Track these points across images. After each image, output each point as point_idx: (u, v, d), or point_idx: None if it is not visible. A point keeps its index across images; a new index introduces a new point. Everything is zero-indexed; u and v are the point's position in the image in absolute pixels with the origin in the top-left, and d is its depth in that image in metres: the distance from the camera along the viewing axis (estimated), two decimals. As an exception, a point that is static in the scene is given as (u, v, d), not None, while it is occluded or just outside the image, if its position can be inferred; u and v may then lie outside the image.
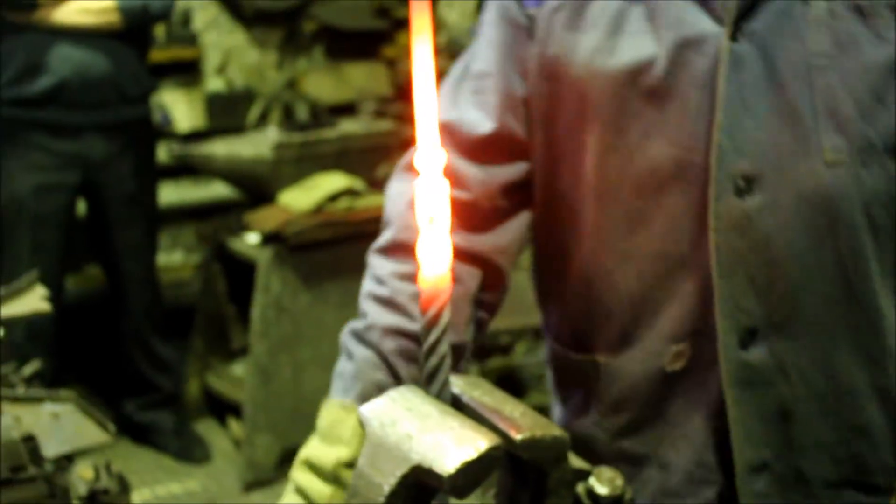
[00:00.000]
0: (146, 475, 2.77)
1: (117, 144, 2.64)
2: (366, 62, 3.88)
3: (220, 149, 3.05)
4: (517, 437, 0.61)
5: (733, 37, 0.81)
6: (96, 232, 2.78)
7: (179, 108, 3.47)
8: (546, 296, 1.02)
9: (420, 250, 0.62)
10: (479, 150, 0.92)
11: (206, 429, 3.02)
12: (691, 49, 0.82)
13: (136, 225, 2.73)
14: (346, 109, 3.56)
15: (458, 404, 0.66)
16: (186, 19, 3.49)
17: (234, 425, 2.94)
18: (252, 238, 2.85)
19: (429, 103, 0.62)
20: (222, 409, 3.01)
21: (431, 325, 0.64)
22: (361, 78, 3.83)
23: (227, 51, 3.69)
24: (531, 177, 0.95)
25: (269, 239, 2.74)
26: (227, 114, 3.54)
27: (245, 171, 3.03)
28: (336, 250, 2.77)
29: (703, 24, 0.82)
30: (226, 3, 3.67)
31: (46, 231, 2.57)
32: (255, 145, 3.04)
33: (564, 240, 0.94)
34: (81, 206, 2.80)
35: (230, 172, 3.09)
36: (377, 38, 3.90)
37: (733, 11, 0.81)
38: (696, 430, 0.89)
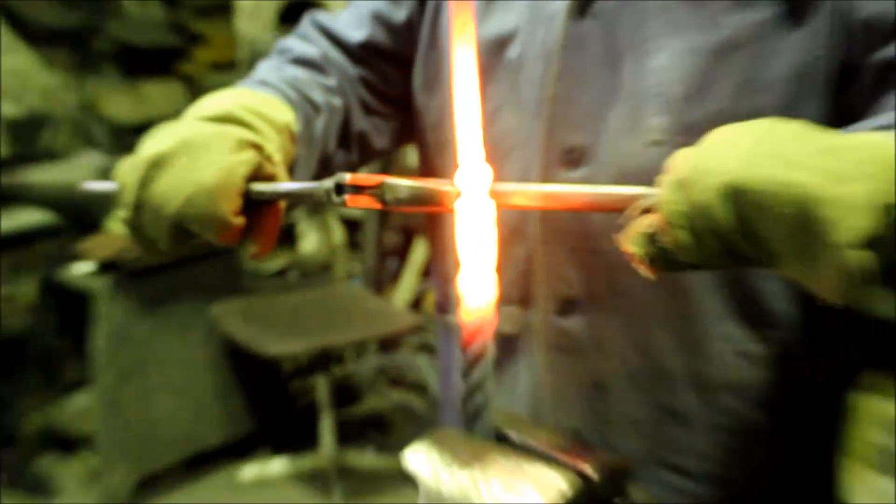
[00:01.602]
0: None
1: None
2: (163, 80, 3.59)
3: (38, 176, 2.78)
4: (594, 474, 0.54)
5: (582, 14, 0.79)
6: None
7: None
8: (432, 260, 1.01)
9: (462, 281, 0.56)
10: (350, 53, 0.93)
11: (52, 463, 2.74)
12: (543, 25, 0.81)
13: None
14: (148, 129, 3.31)
15: (503, 441, 0.58)
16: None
17: (84, 457, 2.69)
18: (85, 267, 2.60)
19: (470, 117, 0.54)
20: (67, 442, 2.74)
21: (476, 361, 0.57)
22: (159, 96, 3.56)
23: (16, 73, 3.30)
24: (402, 94, 0.94)
25: (106, 267, 2.52)
26: (25, 139, 3.20)
27: (68, 199, 2.77)
28: (175, 273, 2.61)
29: (557, 2, 0.81)
30: (11, 23, 3.28)
31: None
32: (73, 171, 2.79)
33: None
34: None
35: (53, 201, 2.81)
36: (173, 55, 3.63)
37: None
38: (523, 393, 0.87)
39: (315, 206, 0.65)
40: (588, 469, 0.55)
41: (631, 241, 0.57)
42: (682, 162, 0.56)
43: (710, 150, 0.55)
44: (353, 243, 3.39)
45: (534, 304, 0.84)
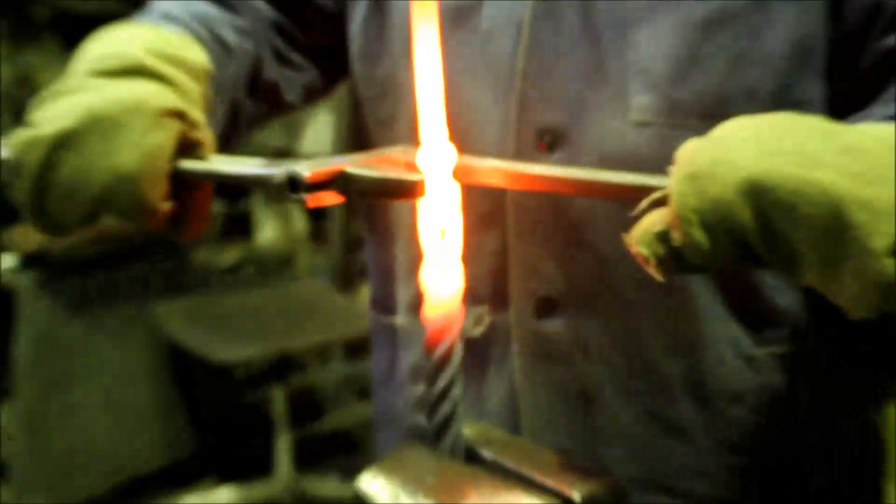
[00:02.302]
0: None
1: None
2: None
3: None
4: (581, 500, 0.53)
5: None
6: None
7: None
8: (367, 255, 1.02)
9: (425, 271, 0.56)
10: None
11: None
12: None
13: None
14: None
15: (475, 459, 0.58)
16: None
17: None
18: (6, 261, 2.58)
19: (431, 91, 0.54)
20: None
21: (441, 364, 0.57)
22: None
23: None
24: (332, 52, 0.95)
25: (31, 261, 2.50)
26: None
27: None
28: (111, 268, 2.60)
29: None
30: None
31: None
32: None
33: None
34: None
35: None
36: (115, 22, 3.65)
37: None
38: (497, 407, 0.87)
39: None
40: (575, 494, 0.54)
41: (639, 240, 0.58)
42: (696, 153, 0.57)
43: (726, 142, 0.56)
44: (318, 233, 3.38)
45: (508, 303, 0.84)
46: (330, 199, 0.59)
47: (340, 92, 1.07)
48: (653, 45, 0.77)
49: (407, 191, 0.58)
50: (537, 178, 0.61)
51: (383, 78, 0.89)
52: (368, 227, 0.98)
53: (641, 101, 0.78)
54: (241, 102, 0.88)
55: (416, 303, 0.87)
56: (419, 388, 0.90)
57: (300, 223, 3.42)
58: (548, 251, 0.82)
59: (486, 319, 0.85)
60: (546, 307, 0.83)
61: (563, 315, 0.82)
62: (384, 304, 0.95)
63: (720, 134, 0.57)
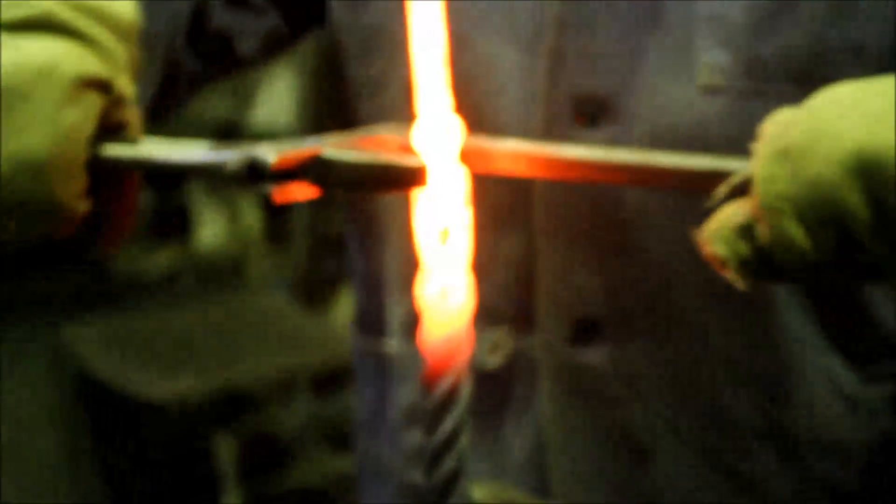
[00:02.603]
0: None
1: None
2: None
3: None
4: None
5: None
6: None
7: None
8: (351, 258, 1.03)
9: (422, 283, 0.58)
10: None
11: None
12: None
13: None
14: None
15: None
16: None
17: None
18: None
19: (434, 50, 0.56)
20: None
21: (444, 405, 0.58)
22: None
23: None
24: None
25: None
26: None
27: None
28: (3, 281, 2.61)
29: None
30: None
31: None
32: None
33: None
34: None
35: None
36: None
37: None
38: (520, 459, 0.88)
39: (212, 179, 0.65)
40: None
41: (714, 238, 0.59)
42: (787, 125, 0.58)
43: (826, 110, 0.57)
44: (276, 232, 3.39)
45: (534, 326, 0.85)
46: (302, 191, 0.59)
47: (305, 46, 1.08)
48: None
49: (403, 180, 0.58)
50: (573, 162, 0.61)
51: (371, 27, 0.89)
52: (350, 225, 0.99)
53: (713, 60, 0.78)
54: (179, 59, 0.89)
55: (414, 324, 0.88)
56: (417, 435, 0.91)
57: (253, 219, 3.43)
58: (587, 258, 0.82)
59: (507, 346, 0.86)
60: (584, 331, 0.83)
61: (607, 341, 0.83)
62: (371, 324, 0.96)
63: (818, 102, 0.58)
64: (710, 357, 0.83)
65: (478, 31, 0.83)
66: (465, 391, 0.57)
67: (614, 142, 0.79)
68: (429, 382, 0.57)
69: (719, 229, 0.58)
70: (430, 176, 0.58)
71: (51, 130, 0.65)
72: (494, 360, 0.86)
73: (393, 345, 0.93)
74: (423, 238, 0.57)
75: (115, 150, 0.68)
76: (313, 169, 0.59)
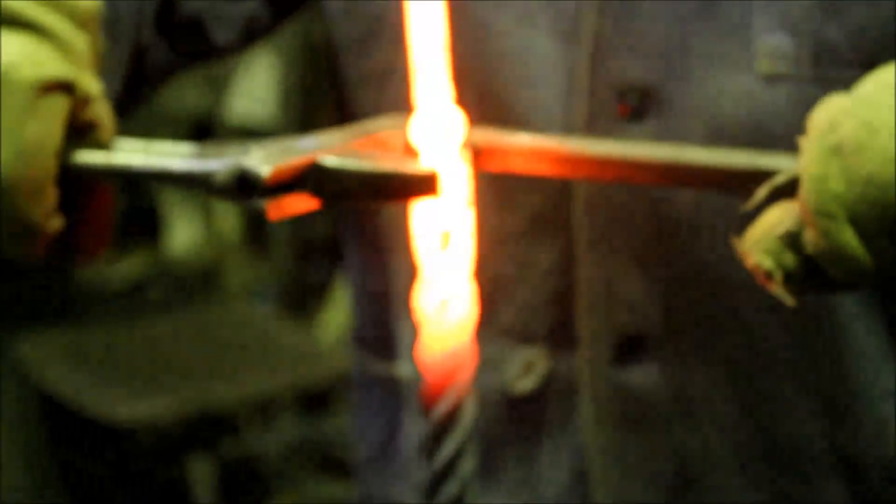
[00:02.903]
0: None
1: None
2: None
3: None
4: None
5: None
6: None
7: None
8: (348, 272, 1.03)
9: (422, 292, 0.59)
10: None
11: None
12: None
13: None
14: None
15: None
16: None
17: None
18: None
19: (437, 33, 0.56)
20: None
21: (445, 425, 0.58)
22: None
23: None
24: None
25: None
26: None
27: None
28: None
29: None
30: None
31: None
32: None
33: None
34: None
35: None
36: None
37: None
38: (556, 490, 0.88)
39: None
40: None
41: (756, 247, 0.58)
42: (837, 115, 0.57)
43: (879, 98, 0.56)
44: (257, 236, 3.39)
45: (574, 343, 0.85)
46: (300, 204, 0.58)
47: (286, 33, 1.08)
48: None
49: (411, 189, 0.58)
50: (613, 161, 0.61)
51: (372, 11, 0.89)
52: (349, 229, 0.99)
53: (774, 45, 0.78)
54: (147, 46, 0.88)
55: None
56: None
57: (230, 222, 3.43)
58: (634, 268, 0.83)
59: (541, 367, 0.87)
60: (631, 348, 0.84)
61: (656, 360, 0.84)
62: (377, 343, 0.96)
63: (870, 88, 0.57)
64: (770, 374, 0.83)
65: (508, 14, 0.83)
66: (468, 412, 0.57)
67: (662, 137, 0.79)
68: (428, 403, 0.57)
69: (763, 238, 0.57)
70: (441, 184, 0.57)
71: (13, 146, 0.64)
72: (527, 383, 0.86)
73: (405, 368, 0.93)
74: (421, 243, 0.57)
75: (86, 157, 0.66)
76: (311, 179, 0.58)
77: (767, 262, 0.57)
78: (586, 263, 0.83)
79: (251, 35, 0.98)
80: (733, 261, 0.77)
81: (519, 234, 0.82)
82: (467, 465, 0.58)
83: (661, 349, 0.83)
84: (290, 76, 3.16)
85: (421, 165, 0.59)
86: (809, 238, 0.56)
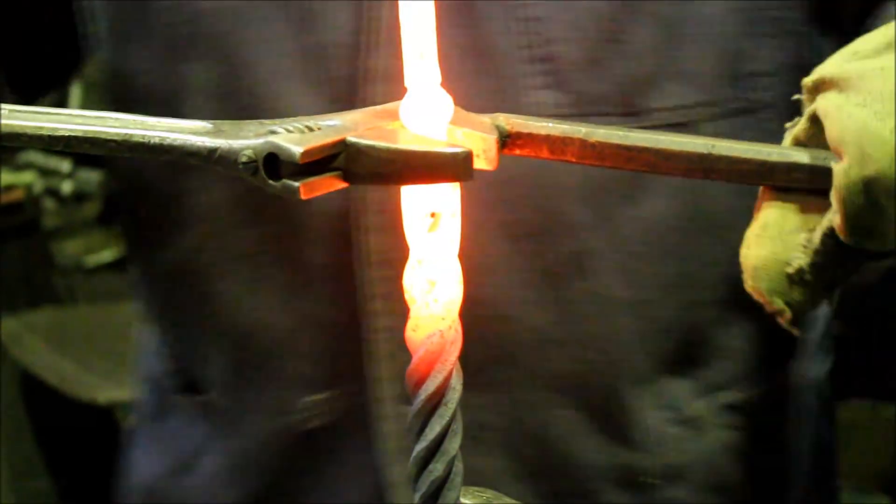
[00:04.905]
0: None
1: None
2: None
3: None
4: None
5: None
6: None
7: None
8: (137, 293, 1.04)
9: (410, 273, 0.58)
10: None
11: None
12: None
13: None
14: None
15: None
16: None
17: None
18: None
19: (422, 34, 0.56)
20: None
21: (432, 405, 0.59)
22: None
23: None
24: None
25: None
26: None
27: None
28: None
29: None
30: None
31: None
32: None
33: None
34: None
35: None
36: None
37: None
38: None
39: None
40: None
41: (761, 277, 0.57)
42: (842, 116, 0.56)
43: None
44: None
45: (365, 385, 0.86)
46: (329, 184, 0.57)
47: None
48: (554, 23, 0.80)
49: (444, 170, 0.56)
50: (645, 151, 0.60)
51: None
52: (152, 258, 1.02)
53: (545, 99, 0.81)
54: None
55: (241, 370, 0.93)
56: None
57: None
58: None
59: (332, 407, 0.90)
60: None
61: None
62: (184, 375, 0.99)
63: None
64: (552, 407, 0.87)
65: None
66: (455, 392, 0.58)
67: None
68: (414, 383, 0.58)
69: (767, 266, 0.57)
70: (474, 166, 0.57)
71: None
72: (317, 422, 0.89)
73: (213, 398, 0.95)
74: (409, 225, 0.57)
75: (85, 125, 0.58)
76: (341, 158, 0.57)
77: (778, 303, 0.57)
78: (369, 300, 0.84)
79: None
80: (511, 300, 0.79)
81: (302, 287, 0.84)
82: (454, 444, 0.58)
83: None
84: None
85: (453, 146, 0.57)
86: (838, 222, 0.54)
